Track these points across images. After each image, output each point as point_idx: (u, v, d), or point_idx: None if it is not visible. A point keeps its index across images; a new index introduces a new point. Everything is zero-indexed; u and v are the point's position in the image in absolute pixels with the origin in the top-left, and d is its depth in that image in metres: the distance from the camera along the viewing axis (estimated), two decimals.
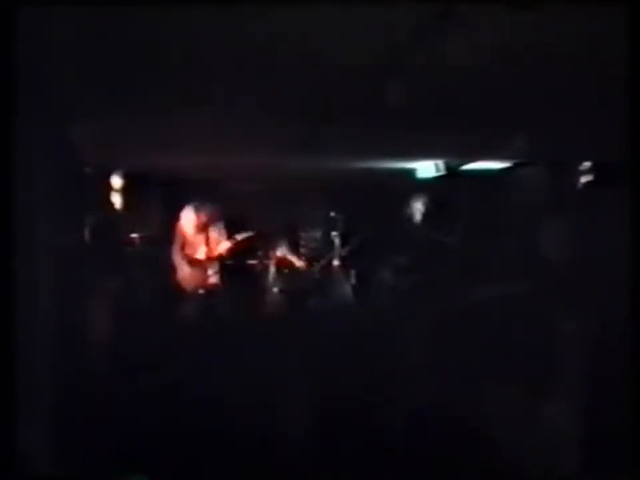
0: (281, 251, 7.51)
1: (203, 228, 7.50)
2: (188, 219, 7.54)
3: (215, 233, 7.56)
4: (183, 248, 7.48)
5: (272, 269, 7.42)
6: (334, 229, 7.62)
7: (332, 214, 7.67)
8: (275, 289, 7.06)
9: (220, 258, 7.42)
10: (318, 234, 7.38)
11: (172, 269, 7.23)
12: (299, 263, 7.33)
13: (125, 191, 7.85)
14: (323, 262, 7.20)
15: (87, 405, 4.11)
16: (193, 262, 7.39)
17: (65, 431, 3.94)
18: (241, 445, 4.10)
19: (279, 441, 4.22)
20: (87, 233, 6.20)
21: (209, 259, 7.41)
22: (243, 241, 7.45)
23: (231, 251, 7.45)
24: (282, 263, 7.48)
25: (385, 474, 4.22)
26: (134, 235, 7.74)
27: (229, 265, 7.54)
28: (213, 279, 7.17)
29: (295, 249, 7.38)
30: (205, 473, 4.01)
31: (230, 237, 7.48)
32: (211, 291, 6.96)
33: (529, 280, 5.02)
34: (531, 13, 2.89)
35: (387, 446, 4.36)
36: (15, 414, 3.00)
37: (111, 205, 7.70)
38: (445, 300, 5.11)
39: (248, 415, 4.22)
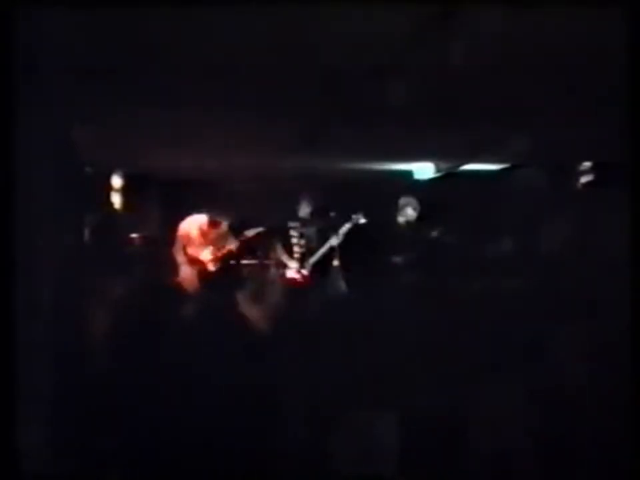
0: (274, 252, 7.48)
1: (209, 229, 7.47)
2: (197, 220, 7.50)
3: (220, 231, 7.51)
4: (185, 249, 7.42)
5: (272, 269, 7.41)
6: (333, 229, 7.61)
7: (331, 214, 7.66)
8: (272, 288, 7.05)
9: (229, 255, 7.37)
10: (314, 234, 7.36)
11: (174, 270, 7.19)
12: (290, 262, 7.30)
13: (124, 190, 7.85)
14: (313, 260, 7.17)
15: (88, 404, 4.11)
16: (196, 262, 7.34)
17: (65, 431, 3.94)
18: (244, 448, 4.10)
19: (279, 444, 4.22)
20: (86, 233, 6.19)
21: (216, 258, 7.36)
22: (253, 237, 7.41)
23: (240, 248, 7.40)
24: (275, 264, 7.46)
25: (384, 474, 4.23)
26: (134, 235, 7.74)
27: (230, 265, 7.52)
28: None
29: (287, 248, 7.35)
30: (206, 475, 4.02)
31: (238, 234, 7.42)
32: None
33: (528, 280, 5.02)
34: (531, 13, 2.90)
35: (387, 446, 4.36)
36: (15, 414, 3.00)
37: (111, 205, 7.70)
38: (444, 299, 5.11)
39: (249, 417, 4.22)
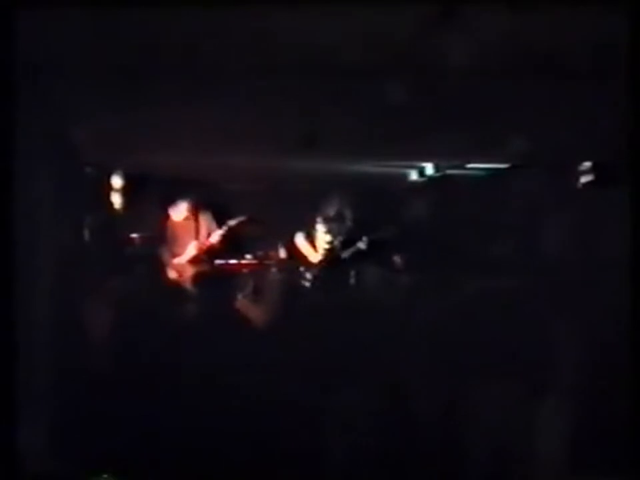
0: (298, 243, 7.41)
1: (190, 223, 7.44)
2: (176, 216, 7.48)
3: (203, 225, 7.49)
4: (172, 247, 7.41)
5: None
6: (339, 228, 7.59)
7: (331, 214, 7.65)
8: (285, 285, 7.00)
9: (212, 248, 7.36)
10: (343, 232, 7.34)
11: (167, 269, 7.19)
12: (315, 257, 7.26)
13: (124, 190, 7.83)
14: (346, 254, 7.14)
15: (87, 404, 4.11)
16: (192, 262, 7.35)
17: (65, 431, 3.93)
18: (243, 448, 4.09)
19: (278, 443, 4.21)
20: (86, 233, 6.18)
21: (200, 252, 7.35)
22: (236, 226, 7.38)
23: (223, 239, 7.39)
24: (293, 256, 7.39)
25: (383, 475, 4.22)
26: (134, 235, 7.71)
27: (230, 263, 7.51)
28: None
29: (311, 243, 7.31)
30: (204, 474, 4.01)
31: (221, 225, 7.40)
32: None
33: (528, 280, 5.02)
34: (530, 13, 2.90)
35: (386, 447, 4.35)
36: (15, 414, 3.00)
37: (111, 204, 7.68)
38: (443, 299, 5.11)
39: (250, 417, 4.22)
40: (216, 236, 7.40)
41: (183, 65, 3.83)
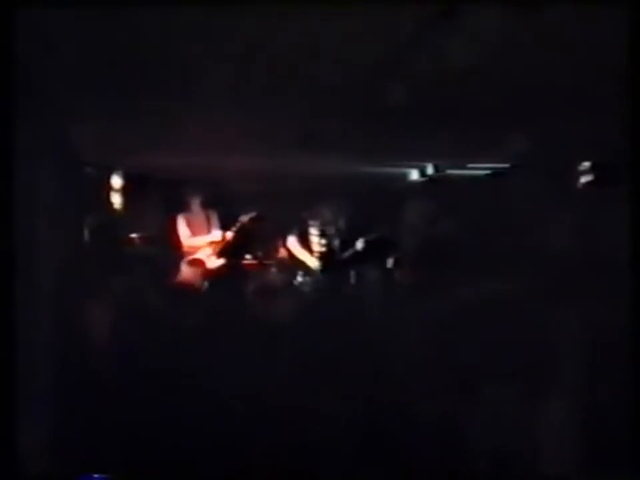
0: (290, 246, 7.41)
1: (201, 228, 7.48)
2: (191, 219, 7.51)
3: (212, 223, 7.51)
4: (184, 248, 7.43)
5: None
6: (334, 229, 7.59)
7: (330, 215, 7.65)
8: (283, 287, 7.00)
9: (227, 246, 7.37)
10: (321, 232, 7.34)
11: (176, 270, 7.19)
12: (311, 261, 7.27)
13: (124, 190, 7.84)
14: (346, 254, 7.14)
15: (87, 405, 4.11)
16: (193, 262, 7.35)
17: (65, 431, 3.93)
18: (243, 449, 4.09)
19: (279, 446, 4.22)
20: (86, 233, 6.19)
21: (215, 251, 7.36)
22: (248, 222, 7.39)
23: (237, 236, 7.40)
24: (290, 259, 7.40)
25: (383, 476, 4.22)
26: (134, 235, 7.71)
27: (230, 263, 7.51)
28: None
29: (306, 245, 7.31)
30: (205, 475, 4.01)
31: (234, 222, 7.41)
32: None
33: (528, 280, 5.02)
34: (531, 13, 2.90)
35: (385, 449, 4.35)
36: (15, 414, 3.00)
37: (111, 205, 7.69)
38: (443, 299, 5.11)
39: (250, 419, 4.22)
40: (230, 233, 7.42)
41: (183, 65, 3.83)
